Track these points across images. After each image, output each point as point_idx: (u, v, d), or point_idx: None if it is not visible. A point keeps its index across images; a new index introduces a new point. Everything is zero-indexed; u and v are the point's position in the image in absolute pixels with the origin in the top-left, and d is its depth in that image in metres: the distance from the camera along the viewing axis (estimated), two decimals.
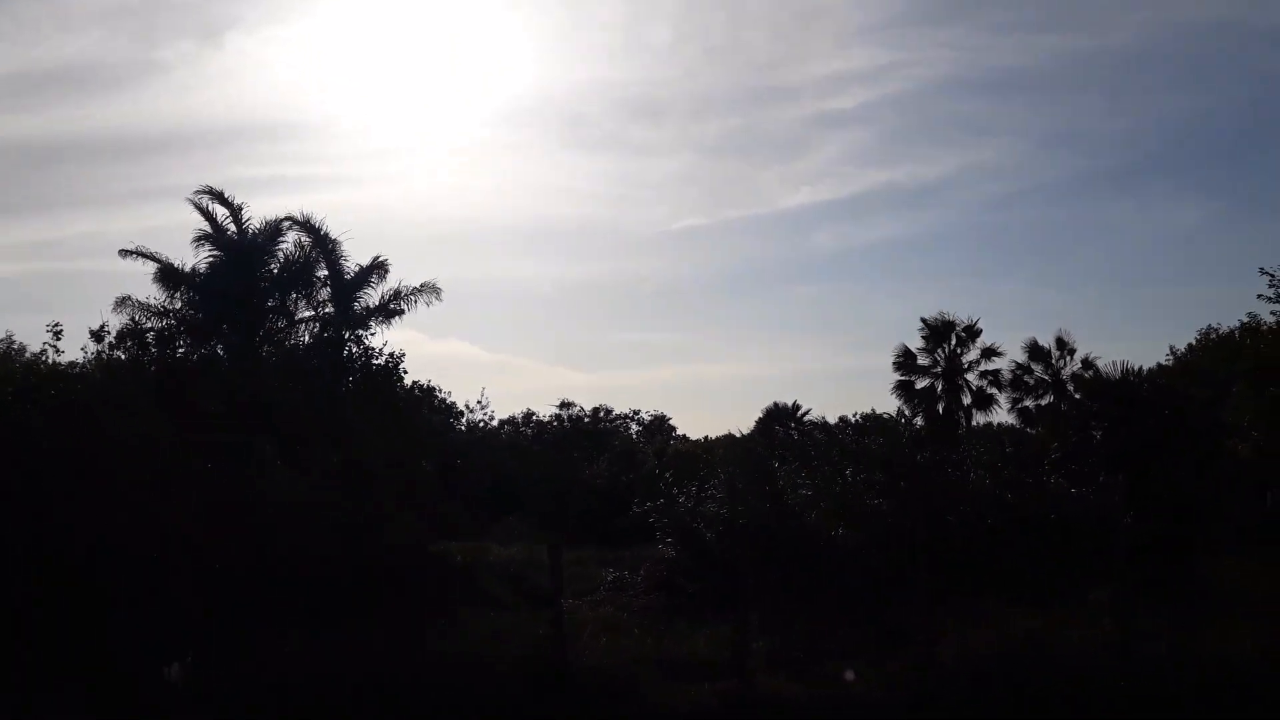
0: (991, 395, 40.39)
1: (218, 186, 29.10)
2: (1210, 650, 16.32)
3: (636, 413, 69.34)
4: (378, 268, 29.94)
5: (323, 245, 29.20)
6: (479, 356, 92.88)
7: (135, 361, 25.56)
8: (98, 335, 25.93)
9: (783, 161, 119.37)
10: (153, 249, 28.48)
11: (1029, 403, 39.85)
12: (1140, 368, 31.12)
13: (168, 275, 28.10)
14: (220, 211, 29.16)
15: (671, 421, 70.37)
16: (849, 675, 16.23)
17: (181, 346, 27.23)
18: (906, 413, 37.45)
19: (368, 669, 15.94)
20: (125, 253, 28.29)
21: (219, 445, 23.24)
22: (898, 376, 40.29)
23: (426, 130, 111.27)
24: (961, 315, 41.12)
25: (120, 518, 18.46)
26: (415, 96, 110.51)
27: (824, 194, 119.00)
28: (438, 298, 30.58)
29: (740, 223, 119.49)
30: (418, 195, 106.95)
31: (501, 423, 59.14)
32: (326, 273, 29.42)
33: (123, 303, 27.41)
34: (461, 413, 52.20)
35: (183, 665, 16.02)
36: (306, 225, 29.29)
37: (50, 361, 20.26)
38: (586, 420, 59.81)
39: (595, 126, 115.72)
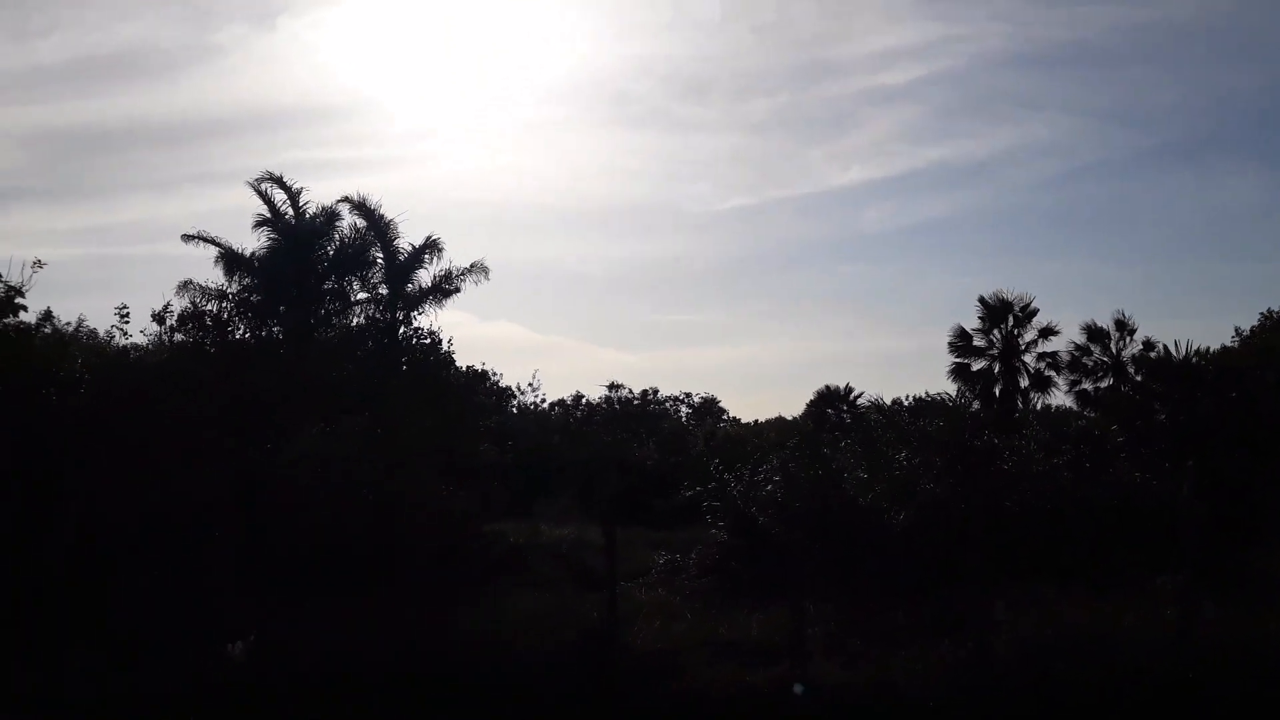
0: (1049, 377, 39.60)
1: (275, 171, 30.07)
2: (1276, 639, 15.99)
3: (686, 395, 69.23)
4: (430, 247, 30.55)
5: (377, 227, 29.90)
6: (529, 338, 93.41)
7: (197, 344, 25.94)
8: (159, 317, 26.14)
9: (832, 139, 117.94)
10: (213, 233, 29.56)
11: (1088, 385, 39.03)
12: (1206, 348, 29.99)
13: (229, 259, 29.14)
14: (279, 196, 30.02)
15: (721, 404, 70.47)
16: (901, 663, 16.30)
17: (241, 329, 27.92)
18: (965, 395, 36.74)
19: (416, 646, 15.92)
20: (188, 237, 29.23)
21: (268, 423, 23.84)
22: (954, 358, 39.62)
23: (473, 110, 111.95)
24: (1017, 295, 40.15)
25: (170, 493, 19.14)
26: (461, 76, 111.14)
27: (874, 172, 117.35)
28: (486, 277, 31.27)
29: (789, 202, 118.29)
30: (464, 176, 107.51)
31: (552, 404, 59.78)
32: (381, 255, 30.29)
33: (185, 286, 28.25)
34: (514, 394, 53.08)
35: (245, 643, 16.21)
36: (362, 207, 29.98)
37: (117, 344, 21.17)
38: (636, 402, 60.57)
39: (640, 104, 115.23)
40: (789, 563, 18.99)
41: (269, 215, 30.19)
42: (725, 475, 24.69)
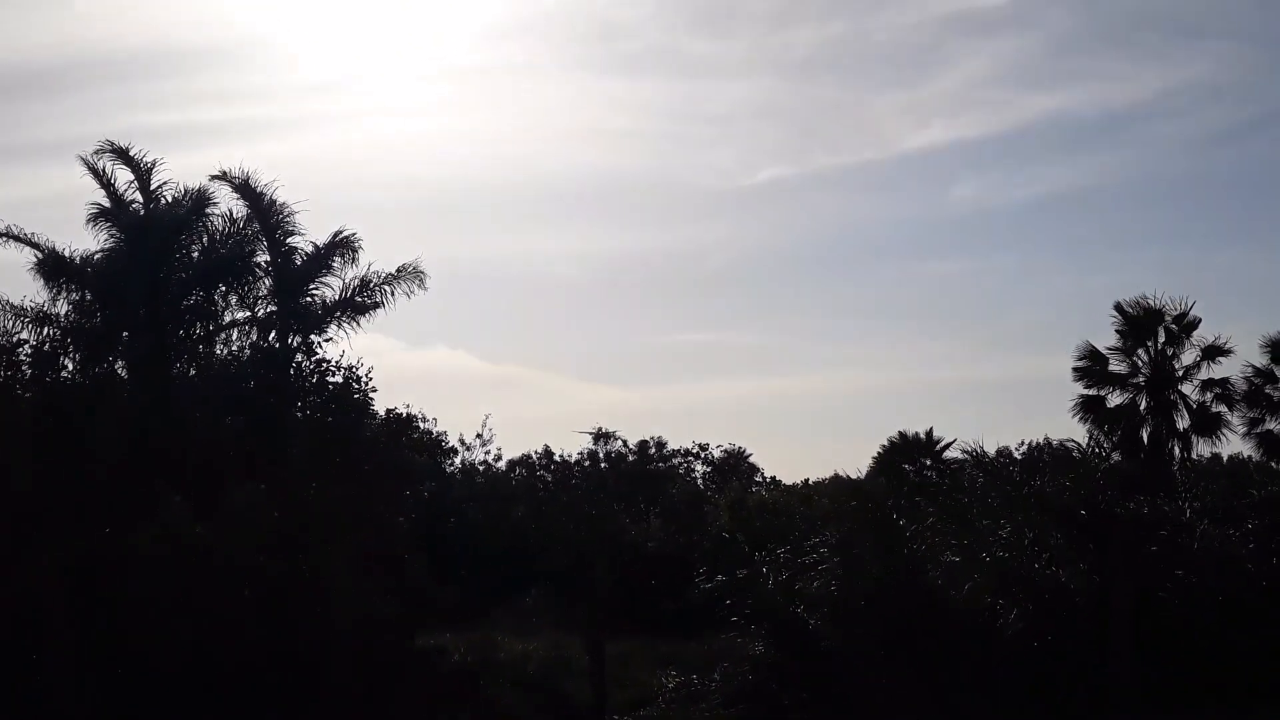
0: (1218, 415, 39.23)
1: (119, 140, 29.04)
2: None
3: (703, 447, 68.12)
4: (340, 246, 29.85)
5: (264, 217, 29.27)
6: (477, 370, 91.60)
7: (4, 387, 26.20)
8: None
9: (903, 84, 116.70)
10: (29, 230, 28.87)
11: (1273, 425, 38.71)
12: None
13: (52, 266, 28.54)
14: (123, 177, 29.34)
15: (752, 458, 69.04)
16: None
17: (68, 365, 27.78)
18: (1099, 442, 36.53)
19: None
20: None
21: (116, 496, 24.28)
22: (1081, 389, 39.17)
23: (395, 52, 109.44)
24: (1170, 299, 40.00)
25: None
26: (378, 6, 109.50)
27: (964, 129, 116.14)
28: (420, 286, 30.53)
29: (843, 172, 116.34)
30: (385, 144, 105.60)
31: (511, 464, 58.39)
32: (269, 257, 29.59)
33: None
34: (454, 449, 52.39)
35: None
36: (243, 188, 29.16)
37: None
38: (631, 458, 58.65)
39: (635, 39, 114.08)
40: (852, 685, 19.26)
41: (108, 204, 29.48)
42: (759, 560, 24.92)
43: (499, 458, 55.63)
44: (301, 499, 26.18)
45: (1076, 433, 38.82)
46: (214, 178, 28.86)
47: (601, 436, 52.97)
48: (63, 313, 28.30)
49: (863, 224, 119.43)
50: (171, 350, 28.77)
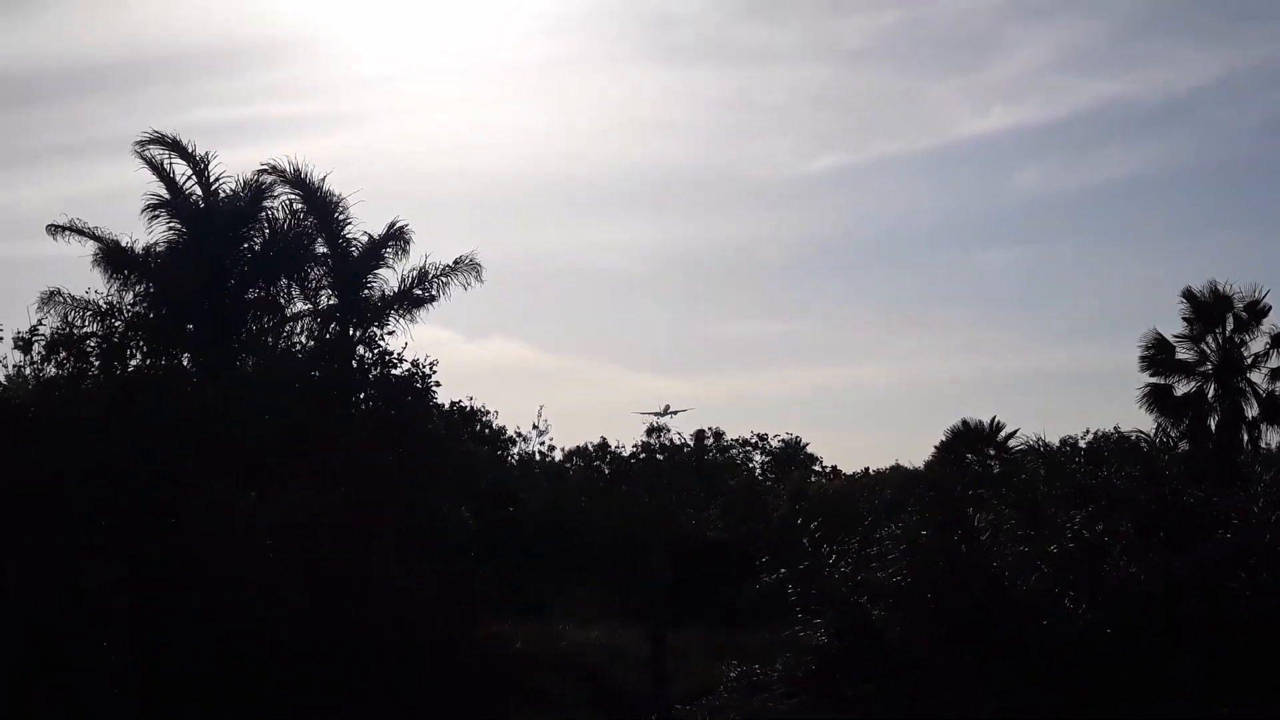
0: None
1: (173, 133, 29.53)
2: None
3: (761, 438, 68.17)
4: (395, 238, 30.28)
5: (321, 210, 29.70)
6: (533, 361, 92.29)
7: (74, 378, 26.47)
8: (24, 344, 26.94)
9: (962, 70, 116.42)
10: (92, 224, 29.28)
11: None
12: None
13: (113, 258, 28.80)
14: (180, 170, 29.69)
15: (810, 449, 69.02)
16: None
17: (135, 356, 28.03)
18: (1166, 432, 36.25)
19: None
20: (56, 229, 29.00)
21: (180, 488, 24.66)
22: (1149, 378, 39.00)
23: (447, 46, 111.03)
24: (1240, 286, 39.67)
25: (42, 577, 20.19)
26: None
27: (1028, 114, 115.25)
28: (478, 278, 31.03)
29: (900, 160, 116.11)
30: (439, 137, 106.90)
31: (568, 454, 58.81)
32: (327, 249, 30.17)
33: (50, 299, 27.99)
34: (512, 440, 52.26)
35: None
36: (298, 181, 29.61)
37: None
38: (688, 449, 59.71)
39: (687, 29, 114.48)
40: (917, 676, 19.21)
41: (166, 195, 30.00)
42: (822, 551, 24.73)
43: (554, 448, 55.51)
44: (361, 490, 26.45)
45: (1144, 423, 38.53)
46: (262, 171, 29.23)
47: (657, 429, 53.74)
48: (127, 304, 28.85)
49: (921, 212, 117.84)
50: (235, 342, 29.17)
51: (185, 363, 28.90)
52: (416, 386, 29.67)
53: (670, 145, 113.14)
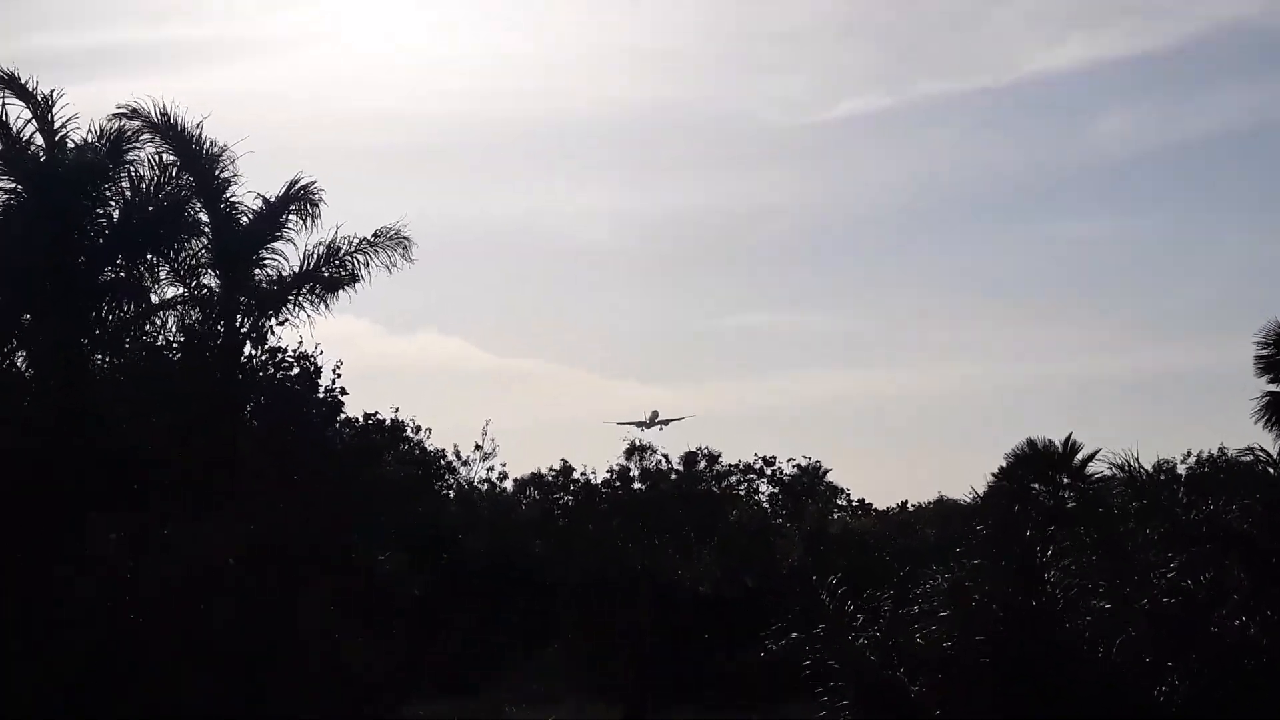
0: None
1: (10, 67, 26.70)
2: None
3: (768, 462, 61.53)
4: (297, 200, 27.75)
5: (199, 165, 27.03)
6: (476, 363, 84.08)
7: None
8: None
9: None
10: None
11: None
12: None
13: None
14: (17, 114, 26.88)
15: (831, 477, 62.92)
16: None
17: None
18: None
19: None
20: None
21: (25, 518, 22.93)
22: (1266, 384, 35.40)
23: None
24: None
25: None
26: None
27: (1110, 47, 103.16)
28: (405, 256, 28.48)
29: (950, 104, 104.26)
30: (354, 74, 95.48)
31: (521, 482, 54.10)
32: (206, 216, 27.33)
33: None
34: (449, 465, 47.96)
35: None
36: (168, 128, 27.01)
37: None
38: (675, 476, 55.48)
39: None
40: None
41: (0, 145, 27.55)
42: (846, 608, 22.88)
43: (504, 476, 51.21)
44: (255, 530, 24.44)
45: (1261, 441, 35.32)
46: (120, 114, 26.77)
47: (636, 449, 48.89)
48: None
49: (976, 171, 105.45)
50: (88, 335, 26.67)
51: (20, 364, 26.57)
52: (318, 396, 27.41)
53: (658, 85, 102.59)
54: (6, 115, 26.23)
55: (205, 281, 27.36)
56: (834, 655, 21.79)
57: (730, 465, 58.45)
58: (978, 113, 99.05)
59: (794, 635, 22.84)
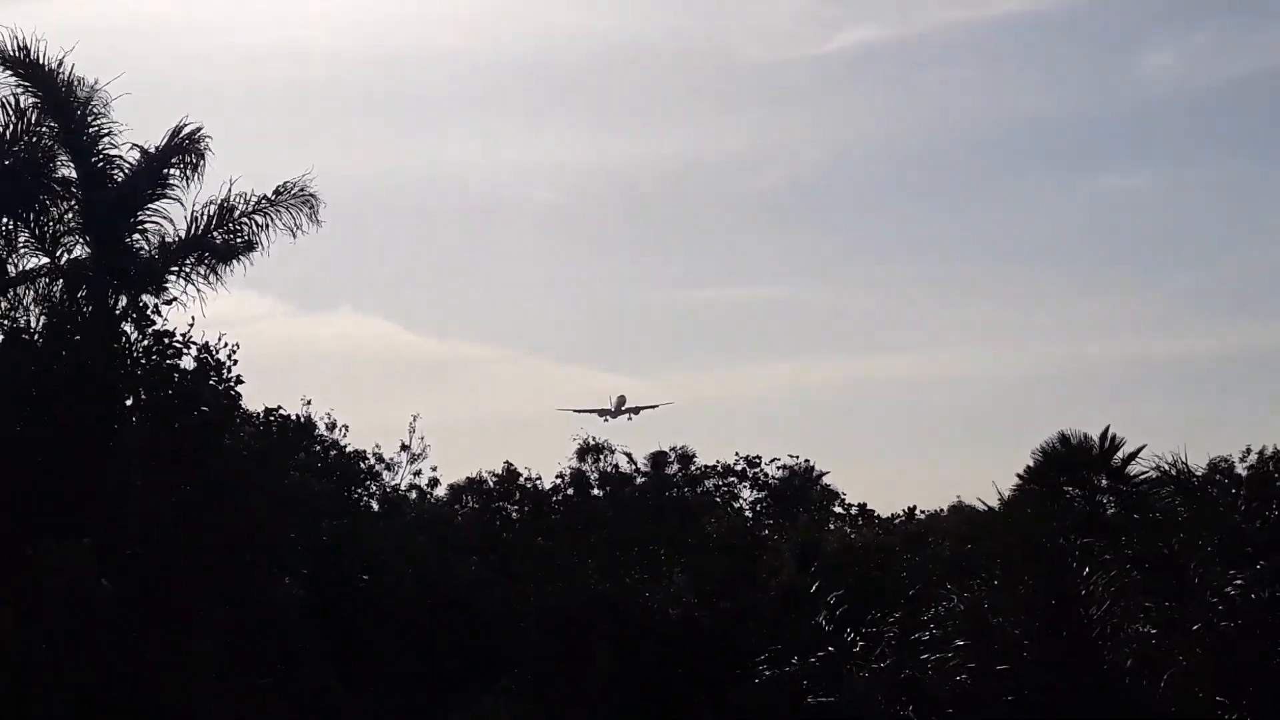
0: None
1: None
2: None
3: (752, 463, 59.07)
4: (182, 151, 25.79)
5: (63, 109, 24.89)
6: (403, 347, 78.94)
7: None
8: None
9: None
10: None
11: None
12: None
13: None
14: None
15: (828, 480, 60.26)
16: None
17: None
18: None
19: None
20: None
21: None
22: None
23: None
24: None
25: None
26: None
27: None
28: (313, 218, 26.85)
29: (966, 34, 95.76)
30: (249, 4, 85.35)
31: (456, 490, 51.65)
32: (74, 170, 25.31)
33: None
34: (370, 469, 45.30)
35: None
36: (23, 63, 24.83)
37: None
38: (643, 479, 53.38)
39: None
40: None
41: None
42: (846, 634, 22.54)
43: (436, 482, 47.89)
44: (133, 554, 22.91)
45: None
46: None
47: (590, 449, 46.84)
48: None
49: (997, 114, 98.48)
50: None
51: None
52: (212, 386, 24.85)
53: (620, 12, 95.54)
54: None
55: (73, 251, 25.89)
56: (835, 689, 21.18)
57: (706, 467, 55.64)
58: (996, 46, 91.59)
59: (788, 665, 22.41)
